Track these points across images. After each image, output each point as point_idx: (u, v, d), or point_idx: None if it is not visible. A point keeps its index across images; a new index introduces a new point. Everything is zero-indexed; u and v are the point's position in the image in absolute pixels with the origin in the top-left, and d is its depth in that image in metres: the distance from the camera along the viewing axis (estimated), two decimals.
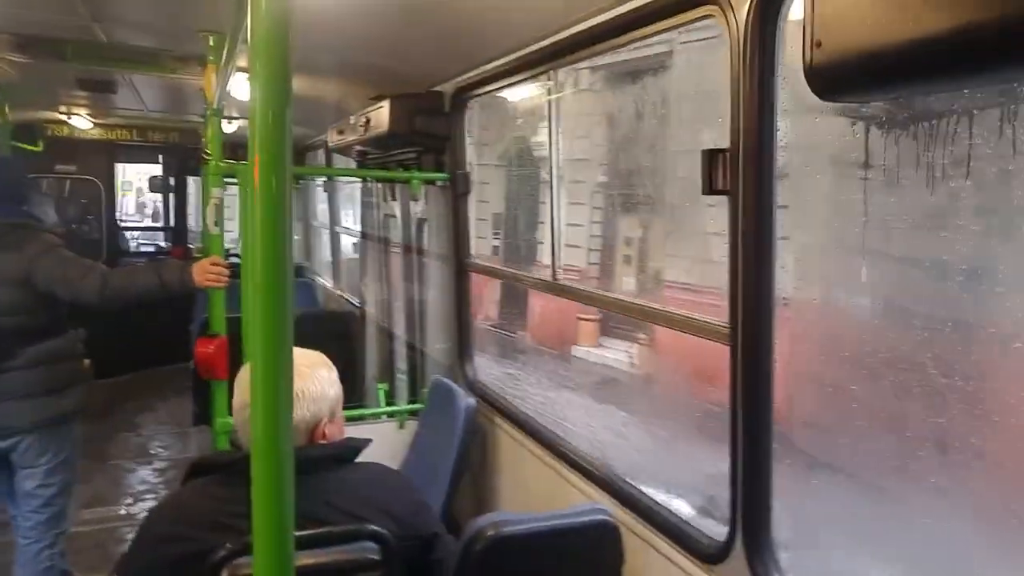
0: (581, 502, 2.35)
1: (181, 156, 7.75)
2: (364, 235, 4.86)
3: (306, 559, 1.58)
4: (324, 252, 7.27)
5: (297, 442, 1.69)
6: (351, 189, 6.55)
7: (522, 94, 3.44)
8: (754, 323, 1.63)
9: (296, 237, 7.97)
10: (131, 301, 2.93)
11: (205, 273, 2.87)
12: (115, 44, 3.52)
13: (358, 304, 5.33)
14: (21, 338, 2.81)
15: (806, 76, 0.95)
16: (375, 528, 1.64)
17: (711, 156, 1.67)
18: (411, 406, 3.40)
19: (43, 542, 2.92)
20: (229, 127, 5.30)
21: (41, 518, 2.92)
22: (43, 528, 2.92)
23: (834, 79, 0.99)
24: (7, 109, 4.95)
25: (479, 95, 3.14)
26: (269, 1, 0.71)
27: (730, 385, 1.68)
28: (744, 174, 1.61)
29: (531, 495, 2.70)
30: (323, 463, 1.72)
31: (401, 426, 3.31)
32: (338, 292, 6.26)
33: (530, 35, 2.45)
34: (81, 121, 6.35)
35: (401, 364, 4.16)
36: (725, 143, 1.65)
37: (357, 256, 6.28)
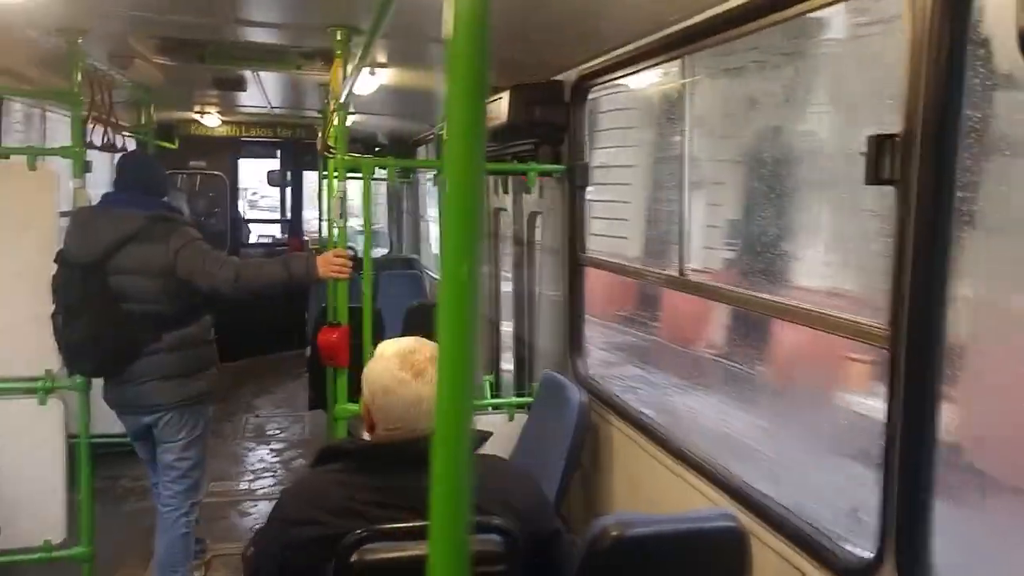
0: (702, 506, 2.27)
1: (297, 151, 8.07)
2: None
3: (427, 549, 1.58)
4: (433, 245, 7.42)
5: (429, 430, 1.72)
6: None
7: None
8: (922, 325, 1.50)
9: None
10: (260, 291, 3.08)
11: (329, 265, 2.97)
12: (247, 43, 3.67)
13: None
14: (164, 324, 3.00)
15: (1020, 41, 0.85)
16: (502, 522, 1.63)
17: (879, 142, 1.54)
18: (521, 399, 3.39)
19: (180, 510, 3.12)
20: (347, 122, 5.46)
21: (179, 488, 3.12)
22: (181, 497, 3.12)
23: None
24: (152, 110, 5.29)
25: (602, 84, 3.08)
26: None
27: (889, 388, 1.57)
28: (920, 161, 1.48)
29: (645, 496, 2.63)
30: None
31: (511, 419, 3.31)
32: None
33: (662, 19, 2.38)
34: (211, 119, 6.72)
35: (507, 357, 4.17)
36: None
37: None
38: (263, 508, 4.57)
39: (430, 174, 6.84)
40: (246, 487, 4.88)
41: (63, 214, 3.51)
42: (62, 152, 3.77)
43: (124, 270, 2.92)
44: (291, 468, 5.23)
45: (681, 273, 2.59)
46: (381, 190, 8.25)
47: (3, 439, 3.25)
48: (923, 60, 1.46)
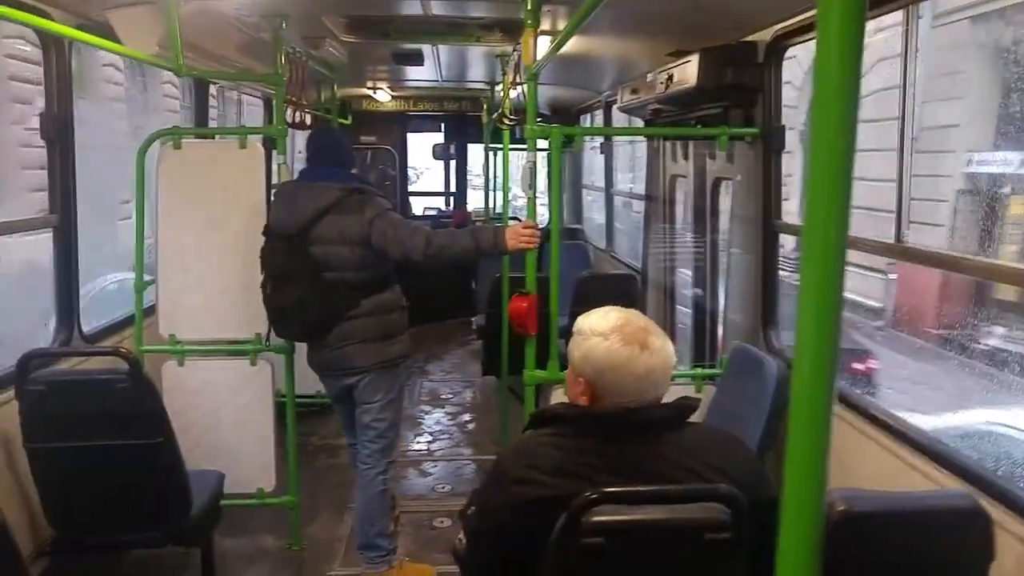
0: (922, 486, 2.11)
1: (462, 124, 8.25)
2: (649, 196, 4.81)
3: (658, 513, 1.59)
4: (595, 215, 7.39)
5: (667, 389, 1.71)
6: (626, 153, 6.54)
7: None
8: None
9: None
10: (449, 261, 3.17)
11: (518, 237, 3.00)
12: (431, 17, 3.77)
13: (635, 267, 5.32)
14: (362, 290, 3.17)
15: None
16: (731, 489, 1.59)
17: None
18: (709, 370, 3.31)
19: (377, 468, 3.30)
20: (513, 92, 5.49)
21: (376, 447, 3.30)
22: (377, 456, 3.30)
23: None
24: (335, 88, 5.59)
25: (801, 43, 2.90)
26: None
27: None
28: None
29: (855, 475, 2.48)
30: (667, 422, 1.71)
31: (698, 390, 3.24)
32: (611, 255, 6.31)
33: None
34: (382, 94, 7.00)
35: (686, 327, 4.07)
36: None
37: (629, 220, 6.27)
38: (442, 468, 4.80)
39: (596, 142, 6.79)
40: (425, 448, 5.12)
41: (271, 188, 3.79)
42: (268, 131, 4.09)
43: (324, 240, 3.09)
44: (466, 431, 5.45)
45: (898, 240, 2.40)
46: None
47: (223, 395, 3.60)
48: None
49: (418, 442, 5.20)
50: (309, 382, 4.03)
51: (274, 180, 3.83)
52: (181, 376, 3.54)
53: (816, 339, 0.69)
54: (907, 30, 2.32)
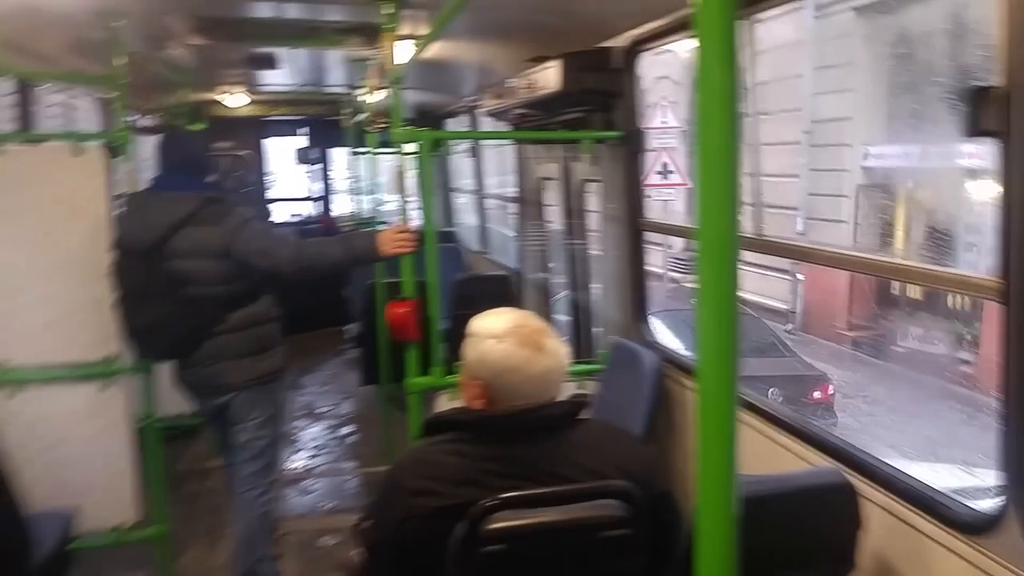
0: (793, 466, 2.27)
1: (324, 128, 8.03)
2: (521, 199, 4.88)
3: (555, 515, 1.61)
4: (466, 218, 7.40)
5: (555, 393, 1.73)
6: (494, 156, 6.60)
7: None
8: None
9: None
10: (322, 271, 3.06)
11: (392, 242, 2.95)
12: (286, 20, 3.63)
13: (510, 267, 5.38)
14: (229, 304, 3.00)
15: None
16: (626, 485, 1.64)
17: (980, 93, 1.52)
18: (589, 366, 3.40)
19: (257, 489, 3.13)
20: (373, 97, 5.40)
21: (255, 468, 3.12)
22: (257, 477, 3.13)
23: None
24: (184, 92, 5.26)
25: (655, 48, 3.03)
26: None
27: (1002, 342, 1.57)
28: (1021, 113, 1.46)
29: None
30: (563, 420, 1.74)
31: (580, 386, 3.32)
32: (486, 256, 6.35)
33: None
34: (237, 99, 6.68)
35: (560, 325, 4.17)
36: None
37: (503, 221, 6.34)
38: (325, 485, 4.65)
39: (463, 146, 6.79)
40: (304, 465, 4.94)
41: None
42: (107, 136, 3.77)
43: (182, 254, 2.91)
44: (348, 444, 5.30)
45: (758, 233, 2.57)
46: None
47: (68, 426, 3.28)
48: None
49: (296, 460, 5.00)
50: (173, 403, 3.77)
51: (124, 190, 3.55)
52: (15, 408, 3.19)
53: (716, 337, 0.72)
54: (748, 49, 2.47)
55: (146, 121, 4.24)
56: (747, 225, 2.56)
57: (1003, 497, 1.60)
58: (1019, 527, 1.56)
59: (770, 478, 1.85)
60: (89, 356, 3.28)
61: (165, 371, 3.21)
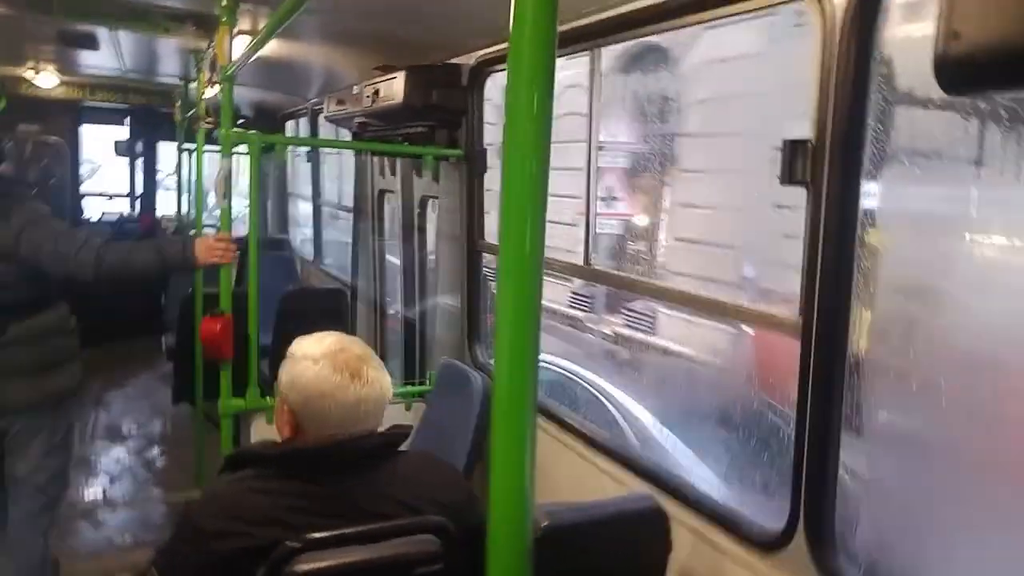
0: (613, 490, 2.32)
1: (151, 120, 7.44)
2: (358, 210, 4.72)
3: (366, 554, 1.52)
4: (302, 226, 7.08)
5: (378, 422, 1.63)
6: (336, 161, 6.38)
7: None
8: (830, 315, 1.62)
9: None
10: (128, 278, 2.76)
11: (211, 250, 2.72)
12: None
13: (345, 282, 5.19)
14: (9, 314, 2.62)
15: (936, 68, 0.90)
16: (440, 519, 1.58)
17: (793, 146, 1.64)
18: (418, 388, 3.31)
19: (36, 532, 2.74)
20: (210, 91, 5.07)
21: (34, 506, 2.73)
22: (36, 517, 2.74)
23: (972, 73, 0.95)
24: None
25: (502, 70, 3.04)
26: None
27: (799, 373, 1.68)
28: (829, 166, 1.58)
29: (554, 484, 2.65)
30: (378, 451, 1.65)
31: (408, 408, 3.23)
32: (321, 268, 6.09)
33: (572, 10, 2.36)
34: (47, 78, 6.03)
35: (395, 344, 4.06)
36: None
37: (339, 231, 6.12)
38: (124, 516, 4.18)
39: (301, 151, 6.51)
40: (99, 494, 4.42)
41: None
42: None
43: None
44: (154, 469, 4.82)
45: (586, 262, 2.62)
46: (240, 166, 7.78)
47: None
48: (832, 72, 1.56)
49: (91, 487, 4.48)
50: None
51: None
52: None
53: (513, 354, 0.70)
54: (592, 69, 2.54)
55: None
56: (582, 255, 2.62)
57: (792, 516, 1.70)
58: (806, 544, 1.67)
59: (585, 505, 1.86)
60: None
61: None
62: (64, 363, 2.79)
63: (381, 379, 1.62)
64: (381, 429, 1.66)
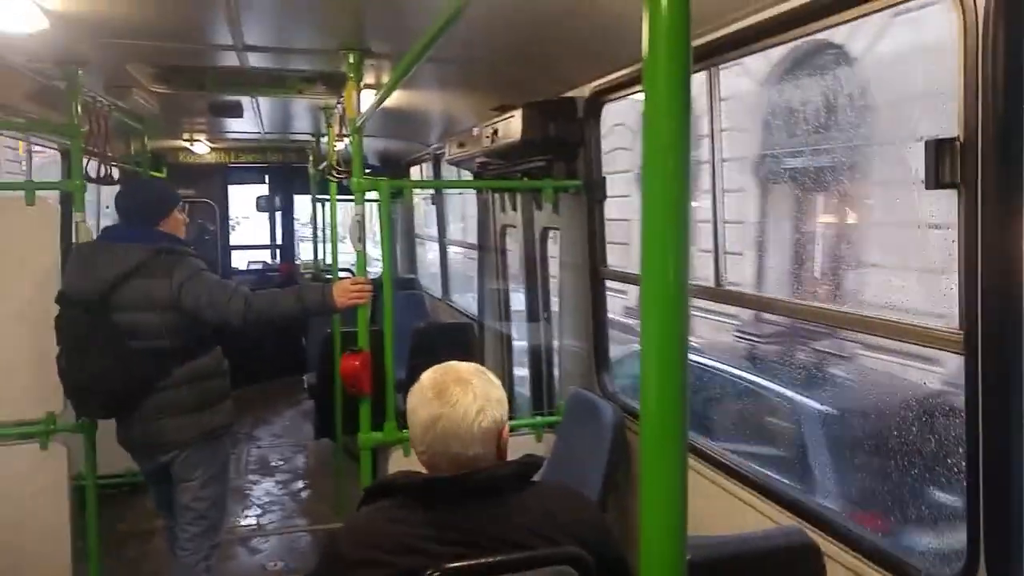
0: (754, 522, 2.22)
1: (286, 176, 7.99)
2: (482, 246, 4.85)
3: None
4: (430, 265, 7.35)
5: (489, 448, 1.64)
6: (459, 202, 6.61)
7: None
8: (999, 327, 1.47)
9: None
10: (273, 323, 2.98)
11: (347, 293, 2.89)
12: (250, 69, 3.61)
13: (472, 316, 5.32)
14: (172, 358, 2.88)
15: None
16: (577, 550, 1.56)
17: (939, 146, 1.53)
18: (547, 418, 3.33)
19: (199, 554, 2.98)
20: (339, 144, 5.40)
21: (197, 530, 2.98)
22: (199, 541, 2.98)
23: None
24: (145, 140, 5.18)
25: (616, 99, 3.06)
26: (669, 7, 0.66)
27: (966, 395, 1.54)
28: (983, 165, 1.46)
29: (691, 515, 2.57)
30: (512, 482, 1.66)
31: (539, 439, 3.24)
32: (448, 303, 6.29)
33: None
34: (200, 146, 6.63)
35: (522, 376, 4.10)
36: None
37: (465, 268, 6.30)
38: (275, 543, 4.44)
39: (426, 193, 6.79)
40: (254, 523, 4.73)
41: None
42: (62, 186, 3.68)
43: (128, 306, 2.80)
44: (299, 500, 5.10)
45: (718, 283, 2.56)
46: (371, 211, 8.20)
47: (6, 485, 3.13)
48: (979, 62, 1.45)
49: (246, 516, 4.80)
50: (118, 459, 3.61)
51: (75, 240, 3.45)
52: None
53: (662, 386, 0.68)
54: (711, 87, 2.51)
55: (104, 170, 4.14)
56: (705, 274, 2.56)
57: (972, 558, 1.55)
58: None
59: (730, 538, 1.79)
60: (32, 413, 3.16)
61: (110, 426, 3.06)
62: (219, 401, 3.02)
63: (468, 403, 1.59)
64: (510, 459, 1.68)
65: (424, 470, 1.70)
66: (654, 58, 0.66)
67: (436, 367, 1.68)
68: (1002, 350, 1.48)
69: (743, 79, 7.63)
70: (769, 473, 2.30)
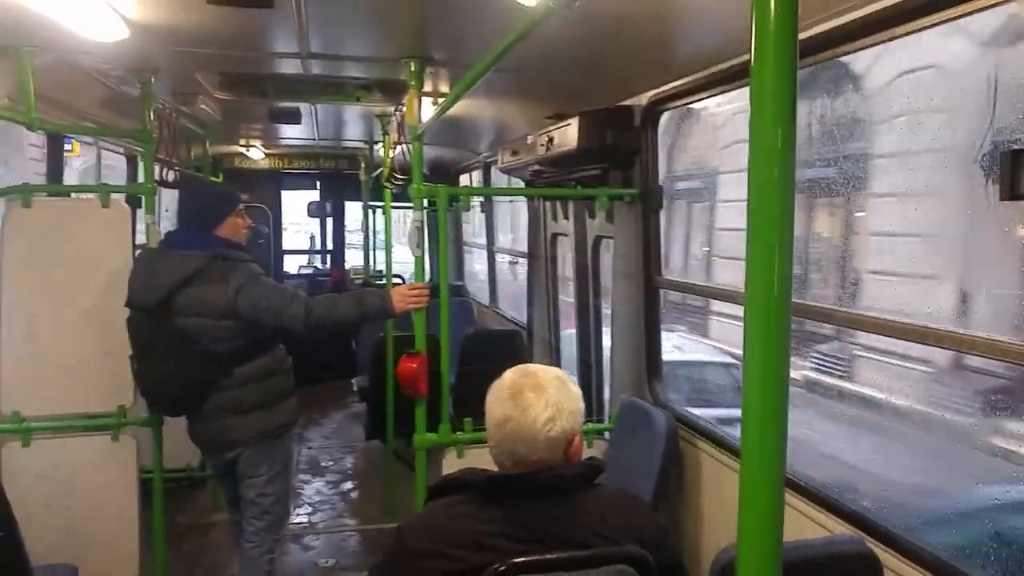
0: (809, 533, 2.20)
1: (338, 182, 8.14)
2: (532, 254, 4.89)
3: None
4: (477, 273, 7.42)
5: (554, 456, 1.68)
6: (508, 211, 6.66)
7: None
8: None
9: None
10: (332, 328, 3.03)
11: (406, 299, 2.95)
12: (311, 76, 3.70)
13: (520, 323, 5.36)
14: (232, 360, 2.96)
15: None
16: (640, 551, 1.59)
17: (1016, 156, 1.52)
18: (598, 425, 3.34)
19: (263, 547, 3.06)
20: (391, 152, 5.49)
21: (261, 524, 3.06)
22: (263, 535, 3.07)
23: None
24: (208, 145, 5.35)
25: (674, 107, 3.07)
26: (777, 17, 0.66)
27: None
28: None
29: None
30: (576, 483, 1.69)
31: (589, 445, 3.26)
32: (495, 311, 6.34)
33: (737, 46, 2.36)
34: (255, 152, 6.81)
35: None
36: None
37: (514, 276, 6.35)
38: (325, 541, 4.53)
39: (475, 201, 6.86)
40: (306, 520, 4.83)
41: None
42: (135, 189, 3.84)
43: (186, 312, 2.88)
44: (349, 500, 5.19)
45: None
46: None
47: (79, 475, 3.26)
48: None
49: (298, 514, 4.90)
50: (181, 454, 3.73)
51: (142, 241, 3.59)
52: (26, 458, 3.17)
53: (763, 408, 0.67)
54: None
55: (169, 175, 4.29)
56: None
57: None
58: None
59: (789, 544, 1.78)
60: (103, 407, 3.28)
61: (175, 421, 3.18)
62: (281, 401, 3.09)
63: (539, 410, 1.62)
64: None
65: (493, 466, 1.75)
66: (761, 52, 0.66)
67: (519, 367, 1.74)
68: None
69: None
70: (828, 485, 2.27)
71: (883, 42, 1.94)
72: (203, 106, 4.17)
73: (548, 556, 1.57)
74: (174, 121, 4.03)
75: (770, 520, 0.70)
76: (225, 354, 2.94)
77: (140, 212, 3.78)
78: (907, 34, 1.85)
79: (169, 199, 5.68)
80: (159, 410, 3.17)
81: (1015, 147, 1.53)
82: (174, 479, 4.46)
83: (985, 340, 1.71)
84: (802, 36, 2.16)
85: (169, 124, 3.94)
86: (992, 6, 1.62)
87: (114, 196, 3.40)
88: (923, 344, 1.94)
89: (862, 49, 2.08)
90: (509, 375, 1.70)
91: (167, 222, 5.35)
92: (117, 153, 5.86)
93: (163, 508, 3.41)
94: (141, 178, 3.83)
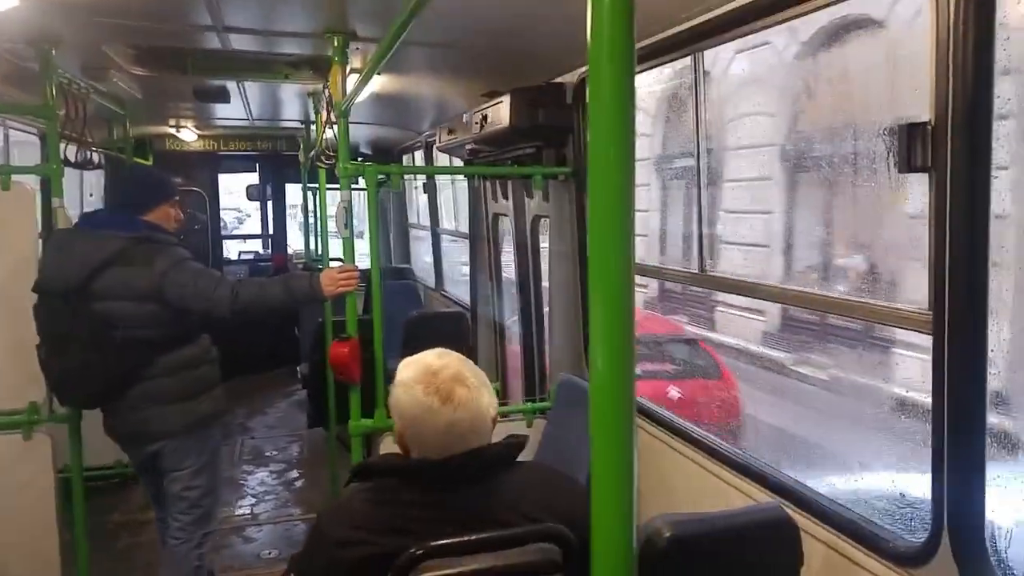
0: (739, 502, 2.23)
1: (277, 164, 7.93)
2: (473, 235, 4.83)
3: (487, 561, 1.53)
4: (422, 254, 7.32)
5: (483, 440, 1.64)
6: (452, 190, 6.57)
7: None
8: (965, 309, 1.50)
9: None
10: (260, 313, 2.94)
11: (335, 282, 2.87)
12: (233, 52, 3.55)
13: (464, 305, 5.31)
14: (156, 348, 2.85)
15: None
16: (561, 528, 1.56)
17: (911, 130, 1.53)
18: (538, 404, 3.33)
19: (191, 543, 2.97)
20: (328, 131, 5.35)
21: (188, 519, 2.97)
22: (191, 529, 2.97)
23: None
24: (127, 126, 5.12)
25: None
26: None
27: (933, 374, 1.56)
28: (952, 149, 1.47)
29: (679, 497, 2.58)
30: (495, 463, 1.66)
31: (529, 425, 3.24)
32: (442, 294, 6.27)
33: (671, 17, 2.33)
34: (187, 133, 6.57)
35: (513, 363, 4.09)
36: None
37: (457, 256, 6.28)
38: (269, 532, 4.45)
39: (419, 181, 6.75)
40: (248, 512, 4.73)
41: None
42: (38, 171, 3.62)
43: (107, 295, 2.75)
44: (294, 489, 5.11)
45: (702, 269, 2.55)
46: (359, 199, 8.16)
47: None
48: (951, 47, 1.45)
49: (240, 506, 4.79)
50: (108, 450, 3.58)
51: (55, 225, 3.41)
52: None
53: (610, 362, 0.69)
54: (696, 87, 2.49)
55: (85, 155, 4.08)
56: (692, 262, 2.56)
57: (935, 528, 1.57)
58: (951, 557, 1.54)
59: (711, 515, 1.80)
60: (13, 403, 3.11)
61: (97, 417, 3.03)
62: (206, 391, 2.99)
63: (476, 398, 1.61)
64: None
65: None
66: (597, 50, 0.68)
67: (419, 360, 1.66)
68: (966, 330, 1.50)
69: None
70: (751, 454, 2.31)
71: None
72: (119, 83, 3.97)
73: (466, 539, 1.53)
74: (84, 98, 3.81)
75: (623, 447, 0.75)
76: (148, 342, 2.83)
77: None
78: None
79: (96, 183, 5.47)
80: (74, 402, 3.02)
81: (912, 121, 1.54)
82: (102, 476, 4.32)
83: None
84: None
85: (78, 101, 3.73)
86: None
87: (19, 178, 3.21)
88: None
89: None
90: (417, 382, 1.61)
91: (91, 208, 5.13)
92: (31, 134, 5.58)
93: (85, 509, 3.27)
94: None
